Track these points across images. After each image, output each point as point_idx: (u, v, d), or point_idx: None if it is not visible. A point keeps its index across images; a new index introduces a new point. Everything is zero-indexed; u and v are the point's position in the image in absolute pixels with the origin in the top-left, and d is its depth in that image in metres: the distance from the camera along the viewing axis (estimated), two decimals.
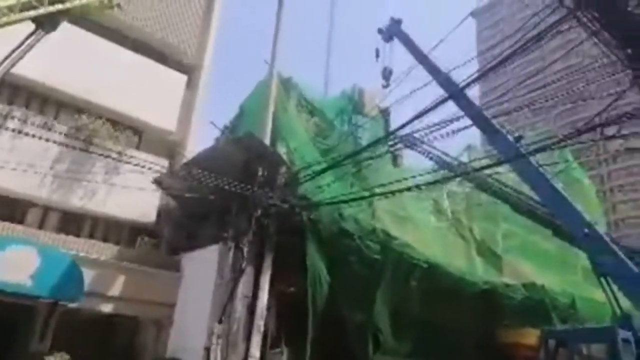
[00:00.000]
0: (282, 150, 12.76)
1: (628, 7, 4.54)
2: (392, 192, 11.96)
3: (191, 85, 18.10)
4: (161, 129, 16.63)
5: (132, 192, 13.56)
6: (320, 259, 11.78)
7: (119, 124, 15.64)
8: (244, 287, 10.75)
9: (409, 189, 11.91)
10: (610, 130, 7.68)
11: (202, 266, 12.68)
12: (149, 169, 10.81)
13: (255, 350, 10.35)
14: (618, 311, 10.22)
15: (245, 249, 10.85)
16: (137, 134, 16.38)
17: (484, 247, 17.46)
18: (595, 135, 8.75)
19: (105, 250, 13.84)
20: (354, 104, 16.91)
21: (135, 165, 10.47)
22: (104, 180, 14.27)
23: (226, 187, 10.67)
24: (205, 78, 18.70)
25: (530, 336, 14.15)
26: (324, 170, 11.81)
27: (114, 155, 12.80)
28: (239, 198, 11.16)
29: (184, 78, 17.67)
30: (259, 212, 11.04)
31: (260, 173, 11.79)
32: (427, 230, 15.89)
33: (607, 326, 10.25)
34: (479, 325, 15.06)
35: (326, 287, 11.66)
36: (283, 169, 12.27)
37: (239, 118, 15.99)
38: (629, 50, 4.82)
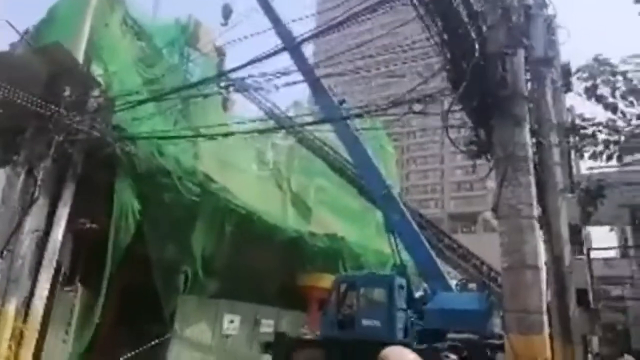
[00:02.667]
0: (97, 70, 11.23)
1: None
2: (218, 136, 11.70)
3: None
4: None
5: None
6: (132, 195, 11.04)
7: None
8: (34, 220, 9.41)
9: (236, 134, 11.81)
10: (417, 108, 8.73)
11: None
12: None
13: (43, 288, 9.29)
14: (398, 261, 12.08)
15: (40, 177, 9.45)
16: None
17: (298, 198, 18.57)
18: (403, 110, 9.81)
19: None
20: (187, 36, 15.74)
21: None
22: None
23: (21, 102, 9.00)
24: None
25: (325, 280, 15.83)
26: (145, 101, 10.83)
27: None
28: (38, 118, 9.56)
29: None
30: (62, 136, 9.65)
31: (67, 93, 10.23)
32: (248, 177, 16.12)
33: (387, 274, 12.05)
34: (284, 269, 16.20)
35: (134, 226, 11.05)
36: (96, 92, 10.86)
37: (47, 24, 13.41)
38: (445, 37, 5.43)
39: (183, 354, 12.86)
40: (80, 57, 10.72)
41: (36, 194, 9.42)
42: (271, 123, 16.60)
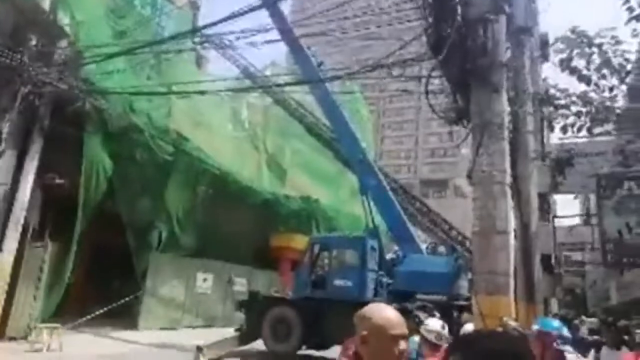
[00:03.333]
0: (64, 20, 10.65)
1: None
2: (192, 93, 11.40)
3: None
4: None
5: None
6: (102, 152, 10.77)
7: None
8: (1, 173, 9.11)
9: (210, 92, 11.54)
10: (396, 72, 8.66)
11: None
12: None
13: (12, 244, 9.10)
14: (370, 224, 12.25)
15: (6, 130, 9.08)
16: None
17: (273, 160, 18.50)
18: (382, 73, 9.71)
19: None
20: None
21: None
22: None
23: None
24: None
25: (297, 241, 16.04)
26: (116, 55, 10.37)
27: None
28: (2, 69, 9.08)
29: None
30: (28, 88, 9.23)
31: (33, 43, 9.73)
32: (222, 137, 15.91)
33: (360, 235, 12.21)
34: (257, 230, 16.32)
35: (105, 183, 10.83)
36: (64, 44, 10.35)
37: None
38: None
39: (155, 311, 12.95)
40: (47, 5, 10.14)
41: (2, 147, 9.07)
42: (247, 82, 16.27)
